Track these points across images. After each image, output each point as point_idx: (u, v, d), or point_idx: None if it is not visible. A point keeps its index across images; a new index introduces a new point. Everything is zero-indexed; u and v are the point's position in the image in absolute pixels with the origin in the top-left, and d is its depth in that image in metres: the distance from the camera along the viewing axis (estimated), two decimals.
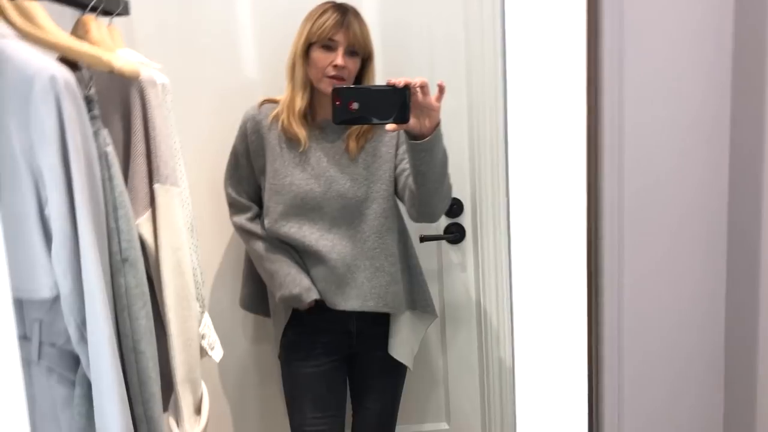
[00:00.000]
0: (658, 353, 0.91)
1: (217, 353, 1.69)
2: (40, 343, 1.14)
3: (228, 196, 1.97)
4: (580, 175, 0.86)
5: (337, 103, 1.51)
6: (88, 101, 1.09)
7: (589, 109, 0.87)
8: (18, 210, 1.02)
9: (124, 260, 1.09)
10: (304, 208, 1.82)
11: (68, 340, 1.12)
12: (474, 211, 2.26)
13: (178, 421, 1.49)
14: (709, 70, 0.88)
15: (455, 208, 2.27)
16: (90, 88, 1.09)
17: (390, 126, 1.53)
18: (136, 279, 1.10)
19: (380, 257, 1.85)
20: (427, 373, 2.39)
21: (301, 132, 1.81)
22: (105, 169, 1.09)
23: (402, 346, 1.94)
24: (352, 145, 1.83)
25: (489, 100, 2.15)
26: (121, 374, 1.09)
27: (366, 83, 1.83)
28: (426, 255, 2.23)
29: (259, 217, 1.93)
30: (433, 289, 2.27)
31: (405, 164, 1.82)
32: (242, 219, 1.94)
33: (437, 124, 1.60)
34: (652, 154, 0.89)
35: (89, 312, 1.05)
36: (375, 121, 1.57)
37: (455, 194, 2.20)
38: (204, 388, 1.59)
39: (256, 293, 2.08)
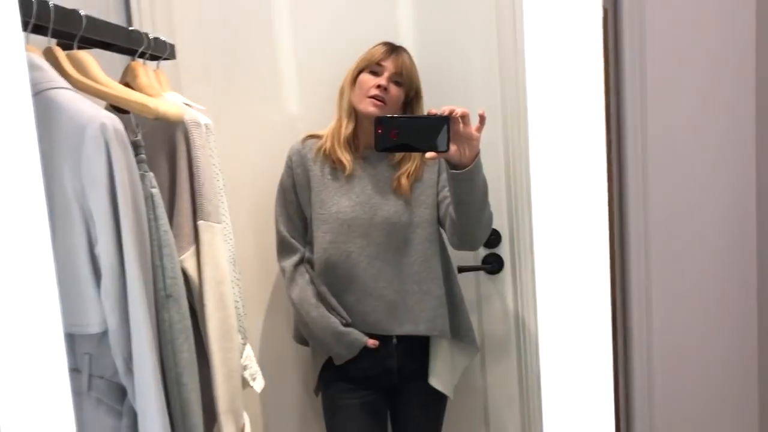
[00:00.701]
0: (688, 378, 0.92)
1: (258, 384, 1.73)
2: (90, 376, 1.19)
3: (278, 234, 1.97)
4: (601, 202, 0.88)
5: (379, 131, 1.57)
6: (135, 146, 1.16)
7: (609, 143, 0.89)
8: (70, 249, 1.09)
9: (168, 296, 1.14)
10: (351, 235, 1.84)
11: (115, 372, 1.17)
12: (512, 242, 2.27)
13: None
14: (732, 103, 0.90)
15: (493, 238, 2.28)
16: (137, 134, 1.16)
17: (430, 154, 1.57)
18: (179, 314, 1.15)
19: (427, 281, 1.88)
20: (468, 404, 2.38)
21: (345, 157, 1.87)
22: (151, 210, 1.16)
23: (442, 375, 1.95)
24: (404, 183, 1.87)
25: (524, 131, 2.17)
26: (165, 405, 1.13)
27: (414, 111, 1.91)
28: (464, 286, 2.24)
29: (302, 262, 1.94)
30: (472, 320, 2.27)
31: (446, 191, 1.84)
32: (288, 265, 1.94)
33: (477, 154, 1.63)
34: (677, 183, 0.90)
35: (135, 346, 1.10)
36: (416, 149, 1.63)
37: (494, 225, 2.21)
38: (246, 418, 1.63)
39: None
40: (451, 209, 1.77)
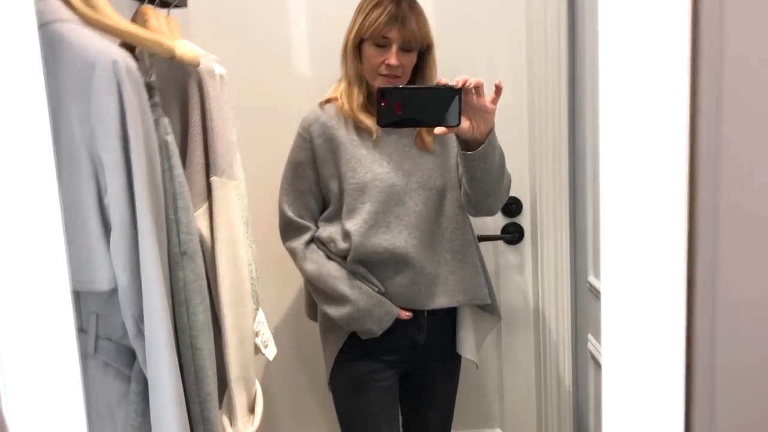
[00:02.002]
0: (754, 360, 0.83)
1: (270, 351, 1.65)
2: (97, 337, 1.11)
3: (283, 216, 1.80)
4: (679, 176, 0.79)
5: (383, 104, 1.41)
6: (149, 88, 1.06)
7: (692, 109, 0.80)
8: (77, 199, 0.99)
9: (183, 253, 1.05)
10: (390, 204, 1.68)
11: (125, 334, 1.09)
12: (533, 211, 2.19)
13: (232, 420, 1.46)
14: None
15: (513, 207, 2.19)
16: (151, 75, 1.06)
17: (439, 130, 1.42)
18: (194, 273, 1.06)
19: (462, 249, 1.76)
20: (482, 378, 2.32)
21: (368, 122, 1.71)
22: (165, 159, 1.06)
23: (471, 344, 1.85)
24: (428, 139, 1.73)
25: (552, 96, 2.08)
26: (178, 371, 1.05)
27: (425, 75, 1.73)
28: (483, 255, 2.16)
29: (313, 240, 1.79)
30: None
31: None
32: (299, 244, 1.79)
33: (491, 129, 1.50)
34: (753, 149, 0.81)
35: (147, 306, 1.02)
36: (423, 123, 1.49)
37: (513, 193, 2.13)
38: (258, 387, 1.55)
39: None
40: (464, 181, 1.66)
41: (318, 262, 1.75)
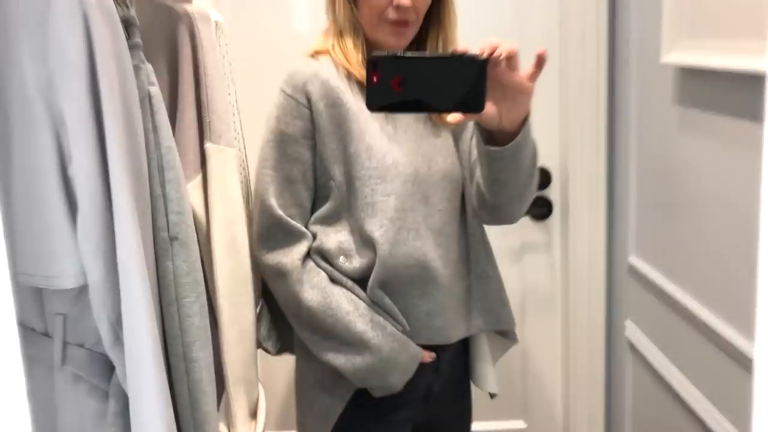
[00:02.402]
0: None
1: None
2: (65, 344, 0.88)
3: (266, 214, 1.27)
4: None
5: (375, 79, 0.95)
6: (127, 24, 0.81)
7: None
8: (32, 169, 0.75)
9: (173, 239, 0.82)
10: (414, 200, 1.26)
11: (100, 340, 0.86)
12: (563, 184, 1.97)
13: (230, 427, 1.25)
14: None
15: (541, 178, 1.97)
16: (129, 7, 0.81)
17: (455, 117, 1.02)
18: (187, 263, 0.83)
19: (481, 260, 1.35)
20: (503, 366, 2.10)
21: None
22: (148, 117, 0.82)
23: (489, 373, 1.46)
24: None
25: (589, 57, 1.85)
26: (167, 388, 0.83)
27: (442, 26, 1.30)
28: (503, 232, 1.92)
29: (309, 255, 1.28)
30: (513, 272, 1.99)
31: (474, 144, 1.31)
32: (291, 261, 1.25)
33: (527, 116, 1.09)
34: None
35: (126, 307, 0.79)
36: (432, 108, 1.06)
37: (541, 162, 1.90)
38: (261, 389, 1.34)
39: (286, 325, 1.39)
40: (481, 181, 1.26)
41: (323, 289, 1.24)
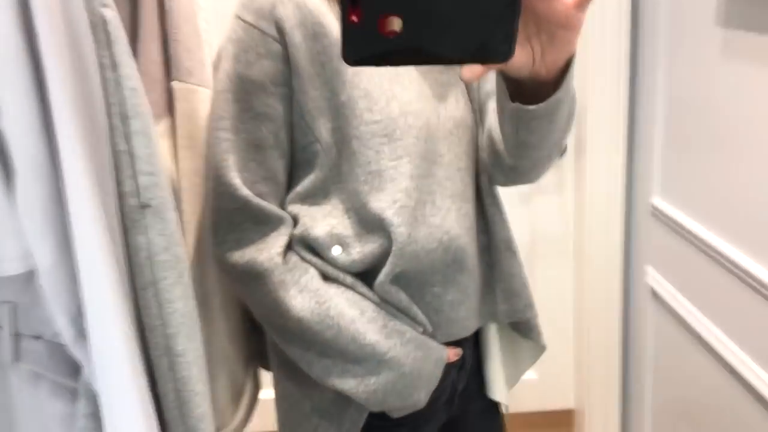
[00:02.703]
0: None
1: None
2: (17, 336, 0.71)
3: (228, 197, 0.94)
4: None
5: (354, 18, 0.61)
6: None
7: None
8: None
9: (145, 206, 0.64)
10: (428, 160, 0.97)
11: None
12: (579, 117, 1.79)
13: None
14: None
15: None
16: None
17: (471, 70, 0.66)
18: (165, 237, 0.65)
19: (499, 226, 1.07)
20: None
21: None
22: (104, 49, 0.63)
23: (499, 378, 1.17)
24: None
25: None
26: (146, 390, 0.66)
27: None
28: None
29: (290, 246, 0.98)
30: (520, 217, 1.84)
31: (491, 87, 1.03)
32: (266, 256, 0.94)
33: (570, 60, 0.74)
34: None
35: (89, 296, 0.62)
36: (437, 57, 0.66)
37: None
38: (256, 373, 1.16)
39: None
40: (498, 139, 0.99)
41: (316, 292, 0.95)
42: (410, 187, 0.94)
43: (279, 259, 0.94)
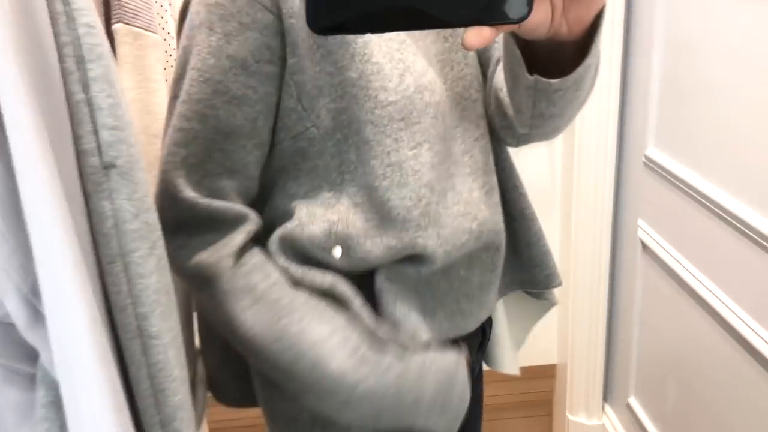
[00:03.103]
0: None
1: None
2: None
3: (172, 203, 0.78)
4: None
5: None
6: None
7: None
8: None
9: (109, 167, 0.54)
10: (447, 141, 0.85)
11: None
12: None
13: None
14: None
15: None
16: None
17: (476, 36, 0.52)
18: (133, 202, 0.55)
19: (516, 192, 0.99)
20: None
21: None
22: None
23: (509, 349, 1.11)
24: None
25: None
26: (117, 377, 0.58)
27: None
28: None
29: (252, 242, 0.82)
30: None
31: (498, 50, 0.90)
32: (218, 258, 0.78)
33: (600, 16, 0.62)
34: None
35: (44, 272, 0.52)
36: (436, 20, 0.50)
37: None
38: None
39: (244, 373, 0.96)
40: (509, 108, 0.86)
41: (275, 303, 0.79)
42: (432, 180, 0.81)
43: (229, 262, 0.78)
